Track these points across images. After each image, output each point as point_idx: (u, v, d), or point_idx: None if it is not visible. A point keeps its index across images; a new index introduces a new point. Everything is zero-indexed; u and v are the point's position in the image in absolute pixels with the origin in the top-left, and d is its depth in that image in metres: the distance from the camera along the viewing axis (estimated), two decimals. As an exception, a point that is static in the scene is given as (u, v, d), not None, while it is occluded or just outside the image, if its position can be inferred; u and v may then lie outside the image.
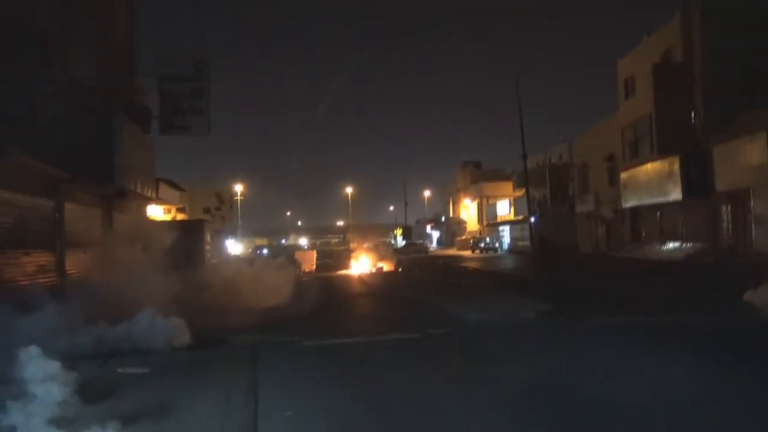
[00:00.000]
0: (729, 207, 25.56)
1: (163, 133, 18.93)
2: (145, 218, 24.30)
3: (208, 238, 36.78)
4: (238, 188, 77.91)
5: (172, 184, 26.53)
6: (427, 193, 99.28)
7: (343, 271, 33.45)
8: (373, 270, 33.61)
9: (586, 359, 7.78)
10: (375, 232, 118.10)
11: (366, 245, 52.19)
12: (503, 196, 63.11)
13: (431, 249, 71.15)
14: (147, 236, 16.13)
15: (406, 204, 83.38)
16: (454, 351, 8.80)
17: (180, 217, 54.98)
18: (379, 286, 22.49)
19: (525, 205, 38.97)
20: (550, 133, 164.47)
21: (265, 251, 60.47)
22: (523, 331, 10.38)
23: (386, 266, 35.91)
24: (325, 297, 16.81)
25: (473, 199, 77.04)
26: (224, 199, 68.35)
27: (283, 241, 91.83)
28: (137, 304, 9.74)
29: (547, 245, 31.78)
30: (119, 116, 15.94)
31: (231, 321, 11.64)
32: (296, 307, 13.84)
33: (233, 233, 70.97)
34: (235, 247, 73.84)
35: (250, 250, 69.65)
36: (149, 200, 19.90)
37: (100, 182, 14.82)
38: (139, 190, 17.38)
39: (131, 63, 18.94)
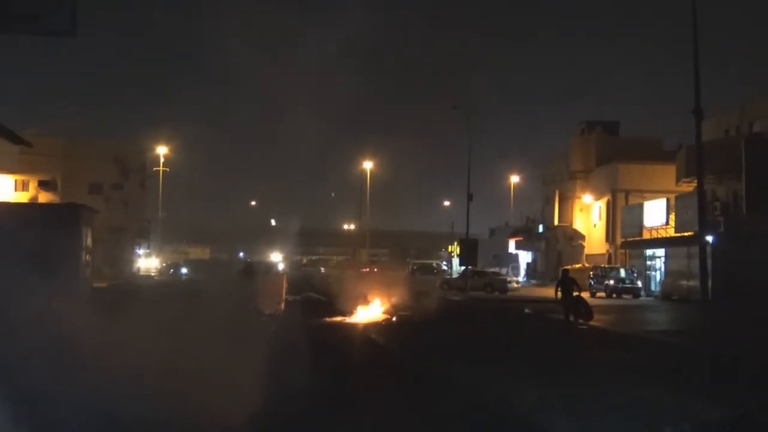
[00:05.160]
0: None
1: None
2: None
3: (88, 240, 36.49)
4: (162, 152, 77.91)
5: (4, 133, 26.00)
6: (514, 181, 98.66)
7: (340, 318, 32.99)
8: (393, 319, 33.13)
9: None
10: (416, 246, 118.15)
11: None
12: (657, 192, 62.68)
13: (515, 285, 70.24)
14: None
15: (470, 198, 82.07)
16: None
17: (45, 197, 55.16)
18: (395, 351, 23.01)
19: (696, 210, 38.03)
20: (751, 79, 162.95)
21: (183, 270, 60.78)
22: None
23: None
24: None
25: (599, 195, 76.27)
26: (130, 170, 67.86)
27: (242, 254, 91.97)
28: None
29: (572, 288, 30.80)
30: None
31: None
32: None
33: (144, 234, 71.18)
34: (147, 260, 74.42)
35: (166, 267, 70.04)
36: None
37: None
38: None
39: None
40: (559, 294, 30.42)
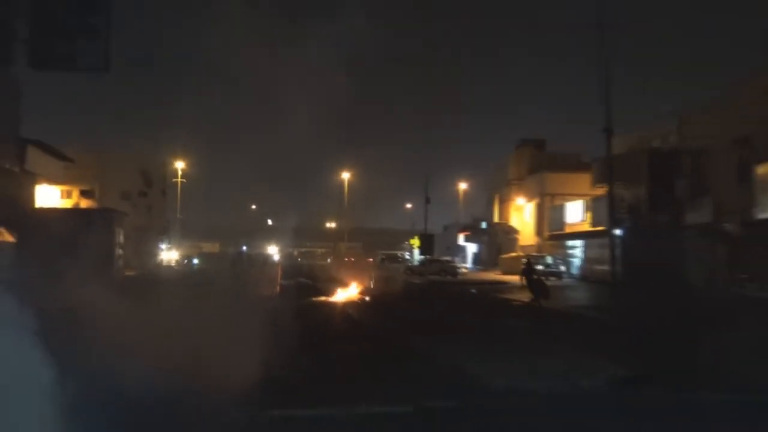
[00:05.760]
0: None
1: (37, 68, 18.24)
2: (17, 202, 23.80)
3: (120, 237, 36.28)
4: (179, 166, 77.73)
5: (51, 151, 25.82)
6: (463, 187, 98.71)
7: (324, 298, 32.83)
8: (366, 299, 33.03)
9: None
10: (384, 241, 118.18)
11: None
12: (576, 195, 62.70)
13: (464, 270, 70.43)
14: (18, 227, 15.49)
15: (427, 201, 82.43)
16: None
17: (85, 204, 54.74)
18: (369, 324, 22.44)
19: (607, 210, 38.18)
20: (654, 102, 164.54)
21: (195, 261, 60.87)
22: (582, 407, 10.16)
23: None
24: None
25: (530, 198, 76.44)
26: (153, 180, 67.83)
27: (245, 248, 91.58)
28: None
29: (532, 273, 31.16)
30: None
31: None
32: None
33: (165, 232, 70.88)
34: (168, 253, 74.01)
35: (182, 259, 69.88)
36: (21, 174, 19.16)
37: None
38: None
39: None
40: (524, 280, 30.72)
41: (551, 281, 53.08)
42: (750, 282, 34.25)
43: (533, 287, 29.72)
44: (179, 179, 78.55)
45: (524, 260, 35.10)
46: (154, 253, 65.89)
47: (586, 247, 56.66)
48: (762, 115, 33.64)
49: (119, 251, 34.18)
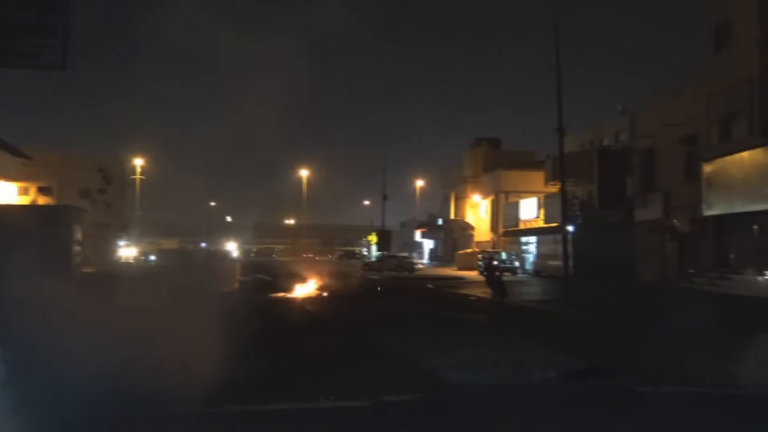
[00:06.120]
0: None
1: (-8, 64, 17.96)
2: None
3: (78, 234, 35.84)
4: (138, 163, 77.05)
5: (7, 148, 25.50)
6: (420, 184, 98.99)
7: (282, 294, 32.72)
8: (324, 294, 33.02)
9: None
10: (342, 237, 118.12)
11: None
12: (530, 193, 63.22)
13: (420, 266, 70.66)
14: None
15: (385, 198, 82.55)
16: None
17: (43, 201, 53.88)
18: (327, 320, 22.51)
19: (560, 207, 38.51)
20: (607, 101, 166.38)
21: (151, 257, 60.59)
22: (535, 401, 10.19)
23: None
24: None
25: (486, 195, 76.81)
26: (112, 177, 67.19)
27: (204, 244, 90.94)
28: None
29: (493, 272, 31.73)
30: None
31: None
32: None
33: (125, 229, 70.20)
34: (127, 250, 73.30)
35: (139, 255, 69.39)
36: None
37: None
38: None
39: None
40: (485, 277, 31.09)
41: (506, 276, 53.69)
42: (698, 276, 34.83)
43: (494, 285, 29.99)
44: (138, 176, 77.99)
45: (484, 258, 35.52)
46: (112, 250, 65.22)
47: (540, 243, 57.05)
48: (708, 114, 34.22)
49: (77, 248, 33.71)
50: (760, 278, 29.98)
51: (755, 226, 31.45)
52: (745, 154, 30.79)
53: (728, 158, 32.02)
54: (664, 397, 10.34)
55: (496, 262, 56.45)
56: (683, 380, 11.44)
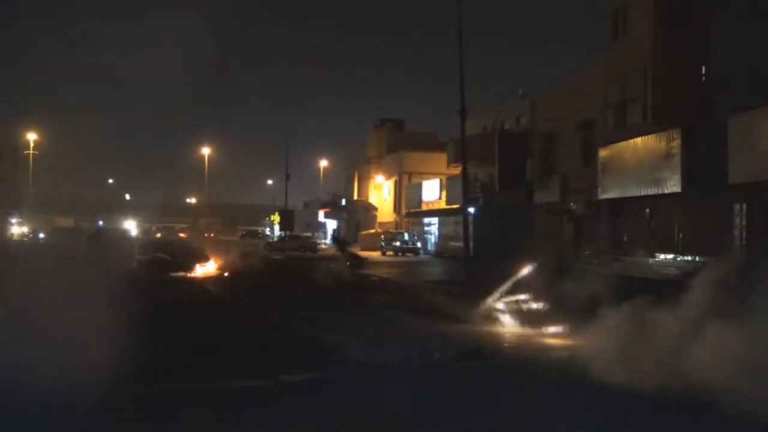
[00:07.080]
0: (744, 205, 26.14)
1: None
2: None
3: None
4: (32, 138, 74.32)
5: None
6: (323, 164, 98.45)
7: (182, 273, 32.04)
8: (225, 274, 32.55)
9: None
10: (245, 216, 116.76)
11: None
12: (433, 174, 63.51)
13: (323, 246, 70.40)
14: None
15: (288, 177, 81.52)
16: (315, 412, 8.47)
17: None
18: (228, 300, 22.38)
19: (461, 188, 38.79)
20: (512, 85, 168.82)
21: (41, 235, 59.02)
22: (434, 379, 10.33)
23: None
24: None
25: (389, 176, 76.96)
26: (3, 152, 64.69)
27: (101, 222, 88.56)
28: None
29: (345, 246, 35.64)
30: None
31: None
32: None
33: (17, 207, 67.90)
34: (20, 227, 70.88)
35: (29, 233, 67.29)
36: None
37: None
38: None
39: None
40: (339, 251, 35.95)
41: (408, 257, 53.96)
42: (594, 258, 35.45)
43: (350, 258, 33.44)
44: (31, 151, 75.10)
45: (335, 234, 40.84)
46: (4, 227, 63.09)
47: (441, 225, 57.54)
48: (605, 100, 34.80)
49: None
50: (650, 260, 30.75)
51: (647, 210, 32.24)
52: (638, 140, 31.44)
53: (623, 143, 32.65)
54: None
55: (396, 242, 57.51)
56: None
